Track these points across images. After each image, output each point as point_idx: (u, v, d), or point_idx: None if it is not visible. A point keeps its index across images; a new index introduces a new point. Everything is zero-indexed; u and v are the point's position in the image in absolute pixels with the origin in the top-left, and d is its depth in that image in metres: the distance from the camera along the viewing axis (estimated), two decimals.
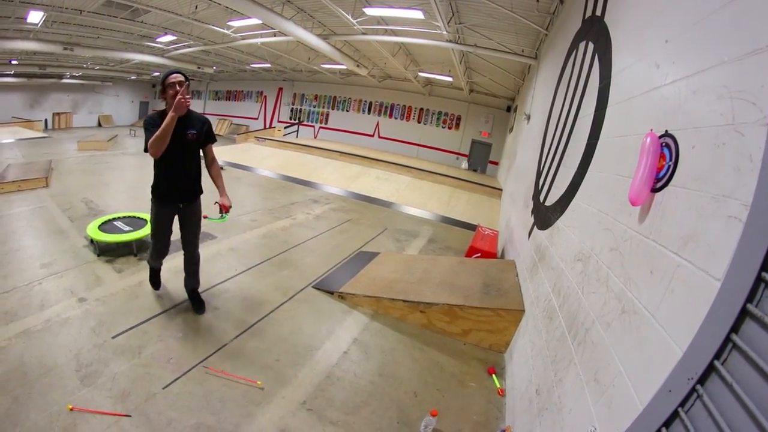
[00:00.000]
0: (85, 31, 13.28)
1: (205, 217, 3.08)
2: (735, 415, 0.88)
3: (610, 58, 2.63)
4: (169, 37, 14.21)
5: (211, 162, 3.00)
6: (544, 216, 3.55)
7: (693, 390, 1.03)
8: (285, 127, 20.30)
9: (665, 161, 1.53)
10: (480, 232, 6.44)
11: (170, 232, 3.08)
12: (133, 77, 27.09)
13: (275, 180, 10.18)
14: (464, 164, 16.84)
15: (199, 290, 3.46)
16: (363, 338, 3.30)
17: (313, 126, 21.29)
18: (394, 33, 9.96)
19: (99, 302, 3.28)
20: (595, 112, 2.70)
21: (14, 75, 21.68)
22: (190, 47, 15.37)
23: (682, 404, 1.05)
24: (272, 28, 10.83)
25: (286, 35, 10.73)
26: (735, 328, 0.96)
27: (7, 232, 4.81)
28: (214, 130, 3.00)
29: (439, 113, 17.80)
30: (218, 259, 4.44)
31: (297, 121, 21.49)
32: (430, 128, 18.09)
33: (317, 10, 9.89)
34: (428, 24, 8.44)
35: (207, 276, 3.93)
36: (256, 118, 23.95)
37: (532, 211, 4.26)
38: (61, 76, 23.85)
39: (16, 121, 21.17)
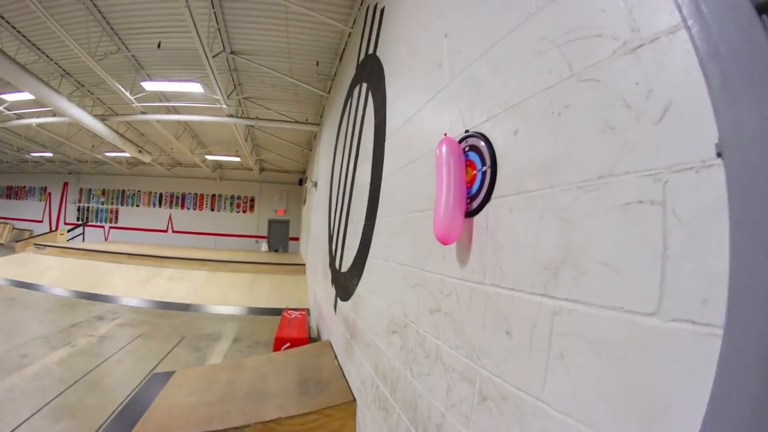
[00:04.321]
0: None
1: None
2: None
3: (383, 86, 2.39)
4: None
5: None
6: (344, 284, 3.02)
7: None
8: (68, 230, 16.53)
9: (475, 169, 1.06)
10: (285, 317, 5.75)
11: None
12: None
13: (56, 297, 8.63)
14: (264, 246, 16.10)
15: None
16: None
17: (103, 226, 18.06)
18: (177, 111, 9.10)
19: None
20: (374, 150, 2.35)
21: None
22: None
23: None
24: (48, 107, 8.93)
25: (62, 115, 8.93)
26: None
27: None
28: None
29: (232, 197, 17.01)
30: None
31: (83, 221, 17.86)
32: (224, 215, 17.06)
33: (96, 85, 8.52)
34: (209, 99, 7.94)
35: None
36: (41, 221, 19.20)
37: (332, 281, 3.70)
38: None
39: None
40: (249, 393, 3.12)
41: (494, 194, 0.99)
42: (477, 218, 1.06)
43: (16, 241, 16.52)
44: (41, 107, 10.08)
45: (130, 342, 5.81)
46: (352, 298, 2.65)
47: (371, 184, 2.33)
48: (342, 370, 3.00)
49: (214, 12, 5.57)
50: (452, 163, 1.11)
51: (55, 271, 10.28)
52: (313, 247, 7.17)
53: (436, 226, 1.12)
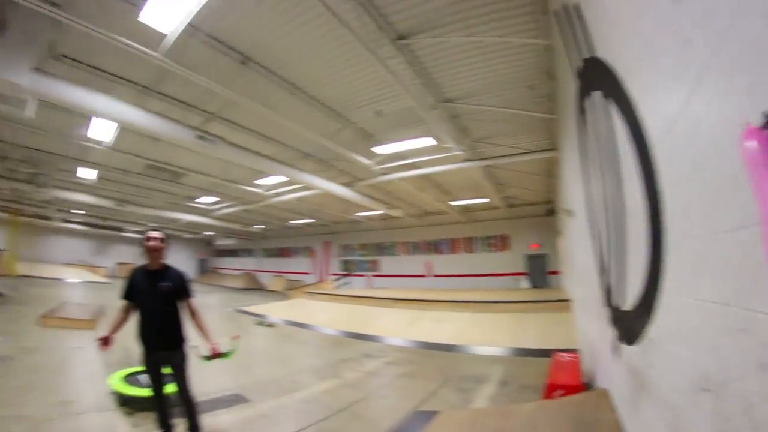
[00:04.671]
0: (134, 190, 14.85)
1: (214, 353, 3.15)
2: None
3: (621, 87, 2.05)
4: (210, 198, 15.26)
5: (192, 314, 3.20)
6: (627, 325, 2.54)
7: None
8: (335, 279, 20.18)
9: None
10: (556, 361, 5.23)
11: (159, 382, 3.10)
12: (187, 236, 29.49)
13: (326, 335, 9.65)
14: (524, 283, 15.46)
15: None
16: None
17: (365, 275, 20.98)
18: (414, 166, 10.01)
19: None
20: (640, 163, 1.96)
21: (81, 223, 24.68)
22: (231, 207, 16.37)
23: None
24: (299, 183, 11.31)
25: (312, 188, 11.11)
26: None
27: (43, 363, 5.35)
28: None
29: (485, 237, 17.38)
30: (245, 426, 3.92)
31: (347, 272, 21.40)
32: (480, 256, 17.47)
33: (334, 158, 10.23)
34: (442, 149, 8.44)
35: None
36: (309, 273, 24.24)
37: (610, 321, 3.19)
38: (121, 230, 26.56)
39: (81, 264, 24.06)
40: None
41: None
42: None
43: (289, 290, 20.40)
44: (294, 185, 12.40)
45: (394, 379, 5.82)
46: (639, 342, 2.19)
47: (647, 204, 1.94)
48: (624, 427, 2.51)
49: (414, 70, 5.92)
50: None
51: (324, 314, 11.64)
52: (579, 282, 6.43)
53: None
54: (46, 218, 23.14)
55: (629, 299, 2.49)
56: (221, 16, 5.15)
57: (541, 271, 15.49)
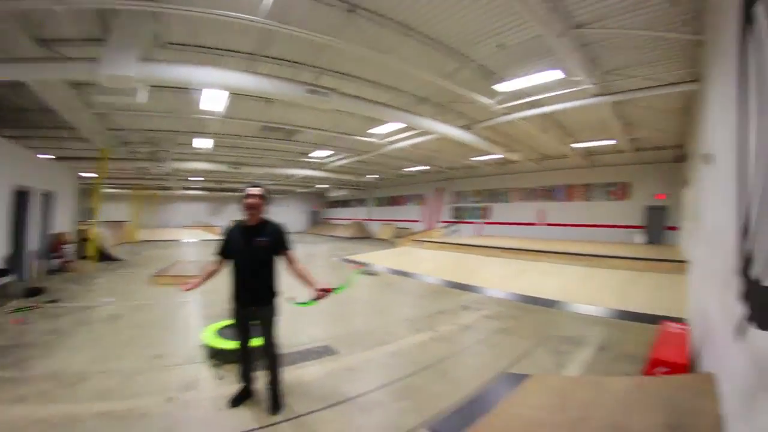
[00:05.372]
0: (248, 152, 15.99)
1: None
2: None
3: None
4: (323, 152, 15.98)
5: (290, 264, 3.15)
6: (766, 303, 2.02)
7: None
8: (444, 227, 20.01)
9: None
10: (663, 332, 4.60)
11: (247, 336, 3.21)
12: (300, 190, 31.96)
13: (429, 285, 9.40)
14: (638, 238, 14.01)
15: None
16: None
17: (476, 223, 20.64)
18: (538, 104, 9.24)
19: (183, 405, 3.20)
20: None
21: (199, 189, 27.87)
22: (344, 159, 16.94)
23: None
24: (415, 129, 11.20)
25: (429, 133, 10.97)
26: None
27: (147, 319, 5.73)
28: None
29: (605, 185, 15.81)
30: (329, 380, 3.85)
31: (457, 219, 21.08)
32: (598, 204, 16.00)
33: (453, 101, 9.84)
34: (570, 83, 7.70)
35: (307, 398, 3.38)
36: (419, 221, 24.36)
37: (742, 296, 2.62)
38: (236, 190, 29.32)
39: (198, 225, 27.51)
40: (605, 427, 2.58)
41: None
42: None
43: (397, 238, 20.32)
44: (409, 131, 12.01)
45: (490, 335, 5.55)
46: None
47: None
48: (725, 425, 2.16)
49: None
50: None
51: (429, 262, 11.32)
52: (702, 243, 5.45)
53: None
54: (167, 189, 26.55)
55: None
56: None
57: (658, 226, 13.70)
